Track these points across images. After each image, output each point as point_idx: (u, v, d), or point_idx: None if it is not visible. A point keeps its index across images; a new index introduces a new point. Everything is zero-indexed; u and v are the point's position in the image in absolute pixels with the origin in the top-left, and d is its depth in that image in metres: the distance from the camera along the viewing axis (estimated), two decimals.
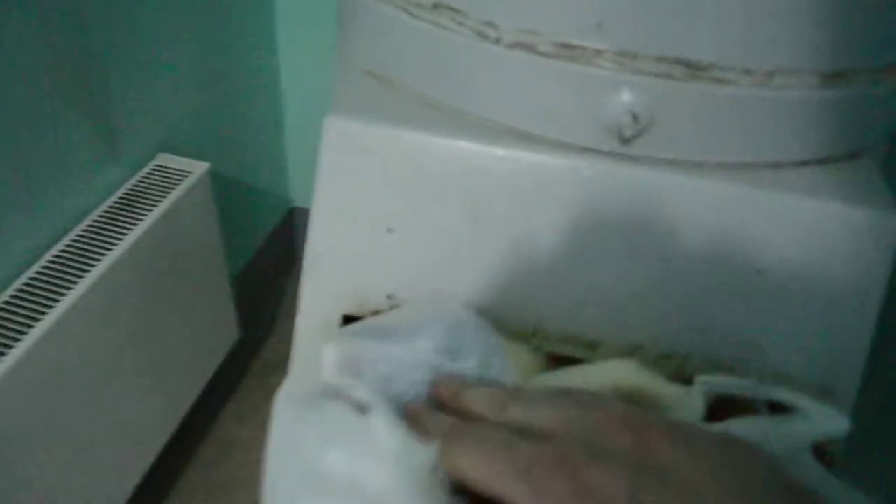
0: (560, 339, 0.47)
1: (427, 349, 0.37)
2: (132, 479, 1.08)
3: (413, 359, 0.36)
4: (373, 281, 0.48)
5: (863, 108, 0.44)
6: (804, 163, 0.45)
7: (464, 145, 0.45)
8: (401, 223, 0.47)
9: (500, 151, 0.44)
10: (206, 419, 1.37)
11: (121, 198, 1.00)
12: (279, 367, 1.47)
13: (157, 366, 1.09)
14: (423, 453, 0.30)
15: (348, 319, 0.48)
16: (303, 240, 1.62)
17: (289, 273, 1.70)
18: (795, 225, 0.43)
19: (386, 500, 0.29)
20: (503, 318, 0.46)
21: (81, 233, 0.93)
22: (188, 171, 1.06)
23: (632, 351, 0.46)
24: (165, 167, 1.07)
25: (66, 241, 0.92)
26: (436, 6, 0.44)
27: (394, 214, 0.47)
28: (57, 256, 0.90)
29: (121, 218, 0.97)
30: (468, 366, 0.38)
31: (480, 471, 0.28)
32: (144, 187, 1.02)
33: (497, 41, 0.42)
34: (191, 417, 1.21)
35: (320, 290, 0.49)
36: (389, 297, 0.48)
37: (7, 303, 0.83)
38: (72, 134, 0.90)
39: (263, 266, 1.56)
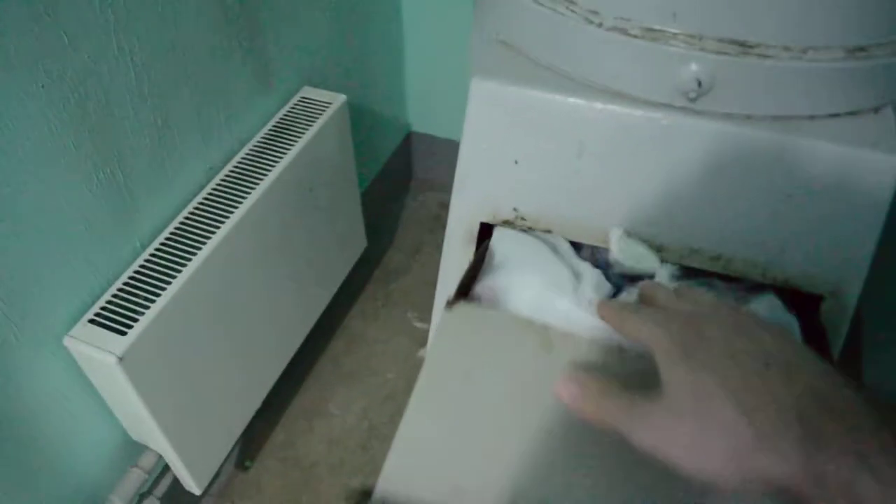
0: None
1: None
2: (280, 364, 1.25)
3: None
4: (503, 197, 0.65)
5: (882, 73, 0.58)
6: (834, 115, 0.59)
7: (572, 101, 0.61)
8: (524, 156, 0.64)
9: (599, 105, 0.60)
10: (335, 318, 1.53)
11: (274, 126, 1.14)
12: (397, 274, 1.63)
13: (301, 270, 1.23)
14: None
15: (484, 226, 0.66)
16: (418, 161, 1.80)
17: (406, 191, 1.81)
18: (818, 161, 0.58)
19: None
20: (592, 225, 0.63)
21: (244, 157, 1.08)
22: (329, 103, 1.19)
23: (690, 253, 0.63)
24: (309, 99, 1.20)
25: (232, 163, 1.06)
26: None
27: (519, 150, 0.64)
28: (226, 177, 1.04)
29: (275, 143, 1.11)
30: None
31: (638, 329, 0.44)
32: (293, 117, 1.16)
33: (599, 25, 0.58)
34: (323, 316, 1.36)
35: (465, 203, 0.66)
36: (515, 209, 0.65)
37: (191, 213, 0.99)
38: (235, 71, 1.03)
39: (384, 185, 1.67)
